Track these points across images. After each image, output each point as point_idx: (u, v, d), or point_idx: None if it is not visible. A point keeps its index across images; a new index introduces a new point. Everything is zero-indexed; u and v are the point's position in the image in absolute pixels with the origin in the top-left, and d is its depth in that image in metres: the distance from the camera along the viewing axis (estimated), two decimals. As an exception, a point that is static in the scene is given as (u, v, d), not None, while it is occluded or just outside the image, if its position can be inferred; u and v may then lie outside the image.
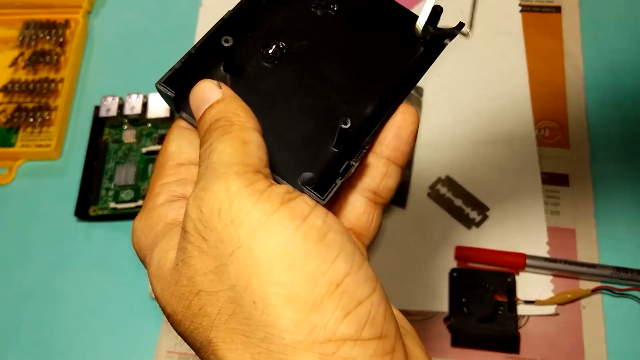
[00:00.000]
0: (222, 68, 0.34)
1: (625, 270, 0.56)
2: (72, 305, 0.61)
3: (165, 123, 0.66)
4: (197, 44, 0.32)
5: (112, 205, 0.63)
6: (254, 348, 0.24)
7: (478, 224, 0.60)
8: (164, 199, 0.30)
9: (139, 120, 0.66)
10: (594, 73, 0.67)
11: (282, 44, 0.35)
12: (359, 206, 0.33)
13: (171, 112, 0.65)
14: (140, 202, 0.62)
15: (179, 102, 0.32)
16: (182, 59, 0.32)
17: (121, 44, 0.76)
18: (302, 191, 0.29)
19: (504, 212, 0.61)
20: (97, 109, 0.68)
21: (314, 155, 0.32)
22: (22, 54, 0.73)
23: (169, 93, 0.31)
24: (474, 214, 0.60)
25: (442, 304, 0.57)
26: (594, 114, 0.65)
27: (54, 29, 0.74)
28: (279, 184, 0.28)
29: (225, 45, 0.30)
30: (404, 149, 0.33)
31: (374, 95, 0.34)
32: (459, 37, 0.53)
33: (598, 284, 0.57)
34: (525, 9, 0.73)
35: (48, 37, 0.73)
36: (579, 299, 0.56)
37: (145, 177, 0.64)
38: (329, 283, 0.24)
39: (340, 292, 0.24)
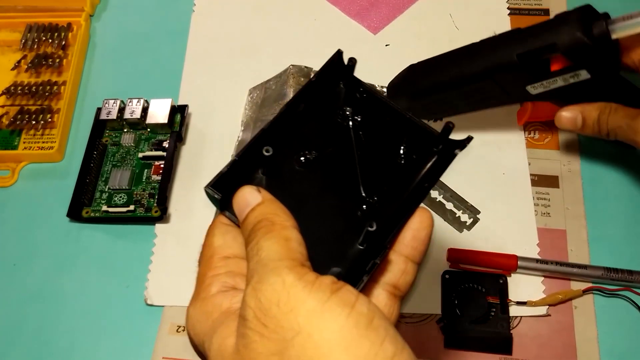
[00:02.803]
0: (260, 171, 0.37)
1: (616, 270, 0.56)
2: (68, 310, 0.60)
3: (164, 129, 0.66)
4: (240, 151, 0.35)
5: (104, 208, 0.62)
6: None
7: (469, 227, 0.60)
8: (216, 289, 0.33)
9: (139, 124, 0.66)
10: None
11: (313, 152, 0.38)
12: (381, 299, 0.36)
13: (169, 118, 0.65)
14: (131, 207, 0.62)
15: (224, 203, 0.35)
16: (227, 165, 0.35)
17: (123, 47, 0.76)
18: None
19: (494, 215, 0.61)
20: (99, 110, 0.67)
21: (342, 252, 0.36)
22: (24, 57, 0.73)
23: (216, 196, 0.34)
24: (465, 217, 0.60)
25: (435, 306, 0.57)
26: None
27: (57, 32, 0.74)
28: None
29: (266, 154, 0.35)
30: (421, 248, 0.37)
31: (394, 198, 0.38)
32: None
33: (589, 285, 0.57)
34: (514, 12, 0.74)
35: (50, 40, 0.74)
36: (570, 299, 0.57)
37: (139, 182, 0.64)
38: None
39: None
